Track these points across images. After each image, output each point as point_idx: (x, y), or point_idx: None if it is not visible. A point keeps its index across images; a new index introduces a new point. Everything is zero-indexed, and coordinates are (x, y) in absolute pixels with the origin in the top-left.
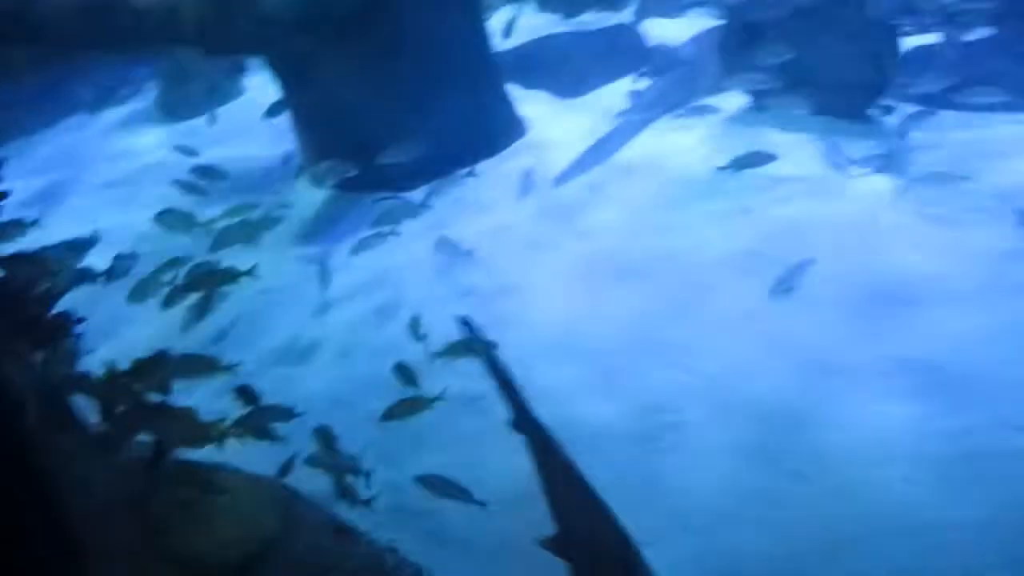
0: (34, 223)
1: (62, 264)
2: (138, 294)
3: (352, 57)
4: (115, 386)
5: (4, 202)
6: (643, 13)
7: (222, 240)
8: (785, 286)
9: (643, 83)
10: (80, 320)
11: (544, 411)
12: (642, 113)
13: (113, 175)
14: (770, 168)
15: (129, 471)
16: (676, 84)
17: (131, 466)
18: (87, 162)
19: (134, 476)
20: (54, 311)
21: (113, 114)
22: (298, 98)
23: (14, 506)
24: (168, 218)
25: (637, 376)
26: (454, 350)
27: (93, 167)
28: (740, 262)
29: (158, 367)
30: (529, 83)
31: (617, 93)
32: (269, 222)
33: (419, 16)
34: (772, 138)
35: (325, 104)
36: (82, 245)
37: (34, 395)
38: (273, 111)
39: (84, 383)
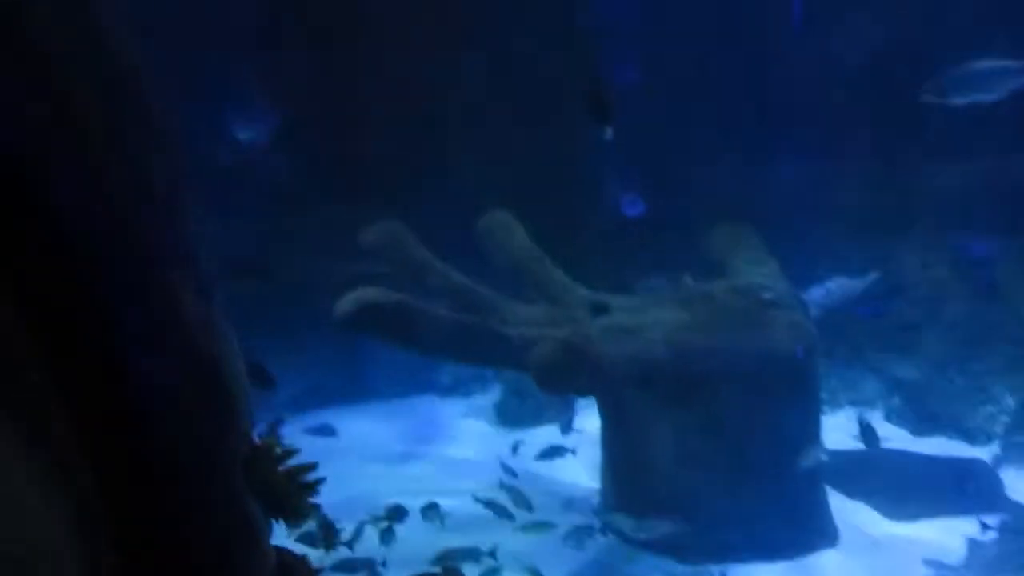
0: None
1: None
2: None
3: (675, 419)
4: None
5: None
6: (1005, 454)
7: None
8: None
9: (987, 535)
10: None
11: None
12: (982, 573)
13: (426, 459)
14: None
15: None
16: None
17: None
18: (414, 438)
19: None
20: None
21: (456, 403)
22: (613, 440)
23: None
24: (432, 514)
25: None
26: None
27: (415, 445)
28: None
29: None
30: (851, 492)
31: (951, 533)
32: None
33: (748, 395)
34: None
35: (637, 455)
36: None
37: None
38: (548, 454)
39: None
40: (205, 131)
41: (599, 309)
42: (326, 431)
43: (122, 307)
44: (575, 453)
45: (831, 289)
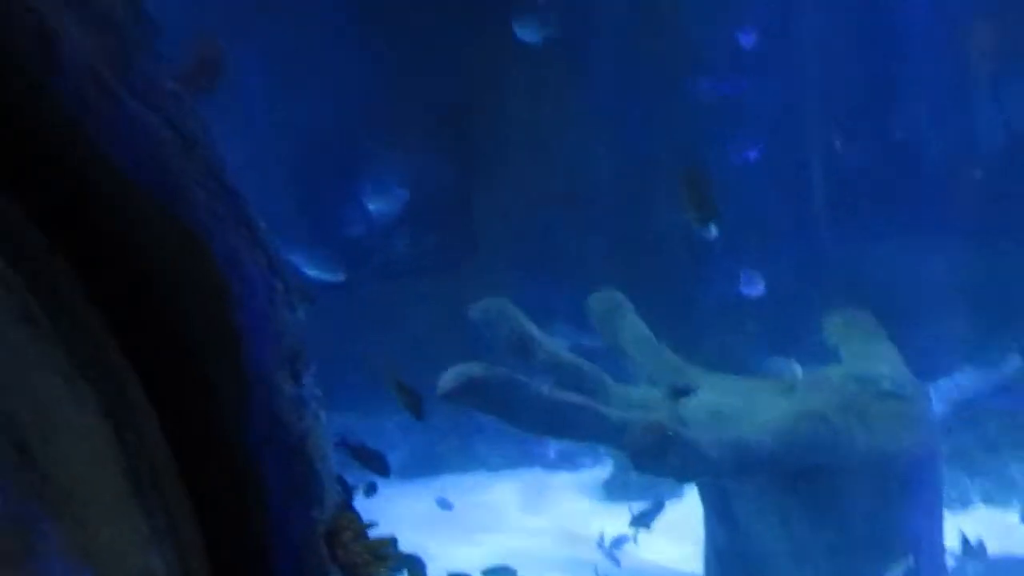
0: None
1: None
2: None
3: (780, 511)
4: None
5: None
6: None
7: None
8: None
9: None
10: None
11: None
12: None
13: (529, 532)
14: None
15: None
16: None
17: None
18: (518, 510)
19: None
20: None
21: (563, 477)
22: (714, 528)
23: None
24: None
25: None
26: None
27: (519, 517)
28: None
29: None
30: None
31: None
32: None
33: (860, 491)
34: None
35: (739, 546)
36: None
37: None
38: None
39: None
40: (340, 203)
41: (679, 393)
42: (443, 504)
43: (218, 390)
44: (636, 542)
45: (961, 382)
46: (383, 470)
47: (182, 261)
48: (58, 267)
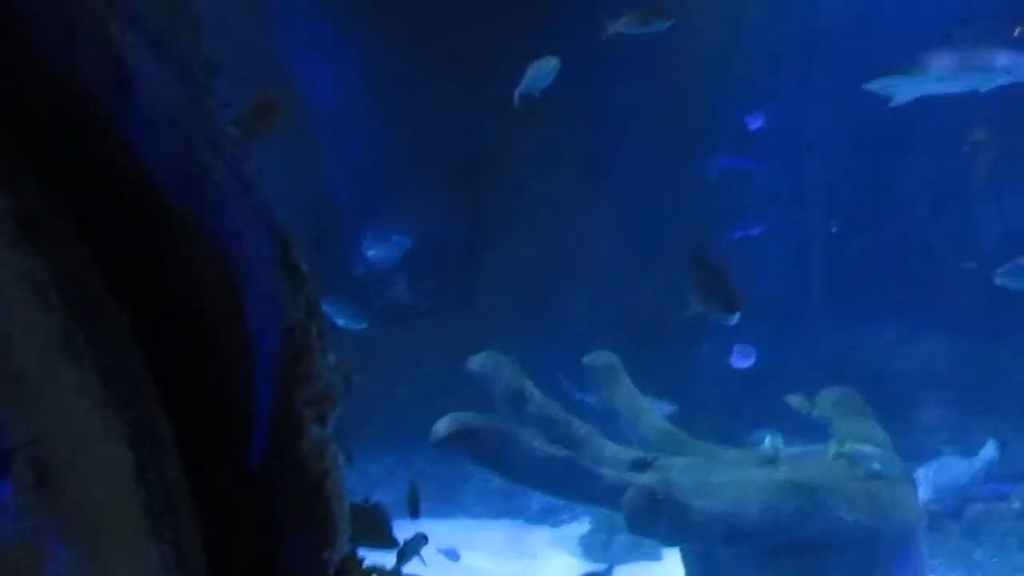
0: None
1: None
2: None
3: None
4: None
5: None
6: None
7: None
8: None
9: None
10: None
11: None
12: None
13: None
14: None
15: None
16: None
17: None
18: (497, 561)
19: None
20: None
21: (543, 531)
22: None
23: None
24: None
25: None
26: None
27: (498, 568)
28: None
29: None
30: None
31: None
32: None
33: (842, 567)
34: None
35: None
36: None
37: None
38: None
39: None
40: (346, 248)
41: (640, 466)
42: (450, 555)
43: (242, 425)
44: None
45: (938, 469)
46: (390, 543)
47: (222, 300)
48: (102, 294)
